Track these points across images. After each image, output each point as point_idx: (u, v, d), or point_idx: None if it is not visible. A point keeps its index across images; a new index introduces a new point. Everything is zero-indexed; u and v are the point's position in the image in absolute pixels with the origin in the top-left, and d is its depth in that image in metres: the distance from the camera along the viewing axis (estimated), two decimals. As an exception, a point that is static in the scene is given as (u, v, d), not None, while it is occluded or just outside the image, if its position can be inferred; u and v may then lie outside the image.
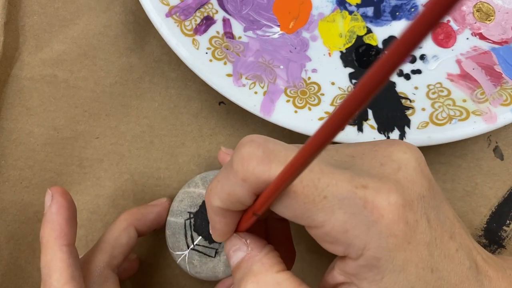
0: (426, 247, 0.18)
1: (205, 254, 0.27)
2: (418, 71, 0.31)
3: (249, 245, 0.20)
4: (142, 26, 0.34)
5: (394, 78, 0.31)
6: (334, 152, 0.20)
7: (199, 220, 0.27)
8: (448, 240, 0.19)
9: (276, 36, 0.32)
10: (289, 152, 0.18)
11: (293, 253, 0.25)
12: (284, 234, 0.25)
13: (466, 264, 0.19)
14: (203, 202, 0.28)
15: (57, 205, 0.24)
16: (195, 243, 0.27)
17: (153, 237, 0.31)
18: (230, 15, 0.32)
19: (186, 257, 0.27)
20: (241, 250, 0.20)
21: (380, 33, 0.32)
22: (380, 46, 0.32)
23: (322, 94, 0.31)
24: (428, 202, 0.19)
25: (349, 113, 0.11)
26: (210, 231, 0.21)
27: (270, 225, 0.24)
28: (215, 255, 0.27)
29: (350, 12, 0.33)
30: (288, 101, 0.30)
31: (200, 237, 0.27)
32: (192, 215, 0.28)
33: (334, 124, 0.11)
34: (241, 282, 0.19)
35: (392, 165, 0.19)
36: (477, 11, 0.32)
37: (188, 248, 0.27)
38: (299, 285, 0.19)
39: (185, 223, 0.28)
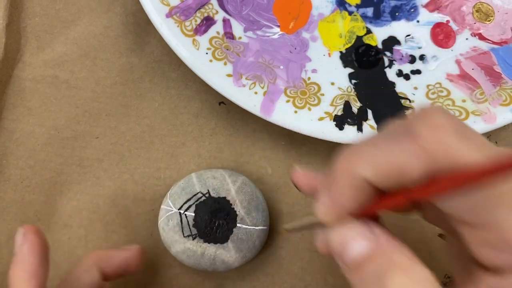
0: None
1: (200, 248, 0.27)
2: (417, 71, 0.32)
3: (376, 233, 0.17)
4: (142, 26, 0.34)
5: (394, 78, 0.31)
6: None
7: (195, 215, 0.28)
8: None
9: (276, 36, 0.32)
10: (486, 141, 0.15)
11: None
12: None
13: None
14: (199, 197, 0.28)
15: (29, 244, 0.22)
16: (191, 237, 0.28)
17: (153, 237, 0.31)
18: (230, 15, 0.32)
19: (182, 251, 0.28)
20: (368, 240, 0.16)
21: (379, 34, 0.33)
22: (380, 46, 0.32)
23: (322, 94, 0.31)
24: None
25: None
26: (320, 204, 0.17)
27: None
28: (209, 248, 0.27)
29: (350, 13, 0.33)
30: (288, 101, 0.30)
31: (196, 232, 0.27)
32: (188, 209, 0.28)
33: None
34: (383, 276, 0.15)
35: None
36: (477, 11, 0.33)
37: (184, 242, 0.27)
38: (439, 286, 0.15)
39: (181, 217, 0.28)
